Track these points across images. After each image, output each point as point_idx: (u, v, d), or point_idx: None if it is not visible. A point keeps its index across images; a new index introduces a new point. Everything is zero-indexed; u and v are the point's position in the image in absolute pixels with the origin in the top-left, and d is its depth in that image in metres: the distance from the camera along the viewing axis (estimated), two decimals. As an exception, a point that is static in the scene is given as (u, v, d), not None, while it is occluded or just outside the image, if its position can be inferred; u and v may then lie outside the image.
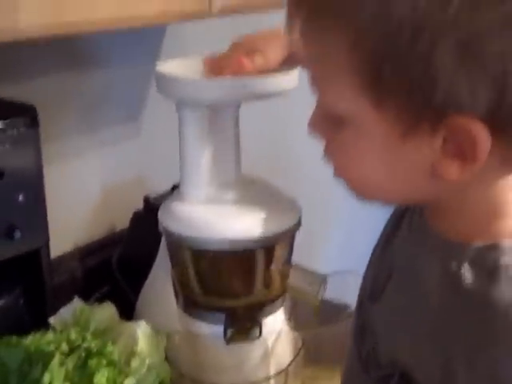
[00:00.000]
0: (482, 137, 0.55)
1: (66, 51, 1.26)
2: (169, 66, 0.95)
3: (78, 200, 1.38)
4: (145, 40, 1.41)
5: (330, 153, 0.67)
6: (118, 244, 1.38)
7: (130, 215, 1.35)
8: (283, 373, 0.92)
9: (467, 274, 0.61)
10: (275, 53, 0.90)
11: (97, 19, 0.90)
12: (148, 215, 1.28)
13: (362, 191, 0.67)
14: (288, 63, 0.91)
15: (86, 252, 1.37)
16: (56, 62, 1.26)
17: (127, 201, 1.38)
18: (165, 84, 0.94)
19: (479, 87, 0.54)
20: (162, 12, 0.99)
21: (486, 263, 0.60)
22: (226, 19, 1.18)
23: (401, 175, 0.62)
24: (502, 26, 0.52)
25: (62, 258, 1.32)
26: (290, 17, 0.62)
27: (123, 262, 1.34)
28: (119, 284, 1.31)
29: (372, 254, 0.79)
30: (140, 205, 1.33)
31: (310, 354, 1.00)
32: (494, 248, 0.61)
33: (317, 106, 0.66)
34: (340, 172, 0.67)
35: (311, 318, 1.09)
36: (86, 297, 1.12)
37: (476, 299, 0.60)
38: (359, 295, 0.80)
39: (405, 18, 0.53)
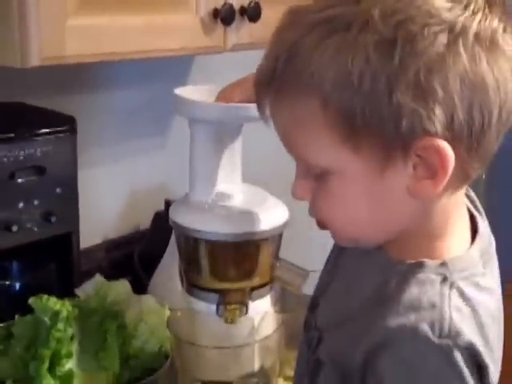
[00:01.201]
0: (447, 150, 0.66)
1: (104, 73, 1.48)
2: (185, 90, 1.16)
3: (108, 201, 1.58)
4: (174, 67, 1.62)
5: (315, 207, 0.76)
6: (141, 240, 1.58)
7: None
8: (265, 344, 1.10)
9: (392, 283, 0.73)
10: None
11: (128, 51, 1.11)
12: (167, 216, 1.48)
13: (345, 232, 0.76)
14: None
15: (113, 245, 1.58)
16: (95, 82, 1.48)
17: (151, 203, 1.59)
18: (180, 105, 1.15)
19: (435, 112, 0.65)
20: (182, 47, 1.18)
21: (407, 275, 0.72)
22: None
23: (382, 206, 0.72)
24: (440, 61, 0.64)
25: (90, 249, 1.53)
26: (260, 98, 0.74)
27: (144, 257, 1.54)
28: (139, 275, 1.51)
29: (327, 259, 0.93)
30: (162, 207, 1.53)
31: (292, 337, 1.18)
32: (419, 265, 0.72)
33: (297, 173, 0.76)
34: (325, 220, 0.76)
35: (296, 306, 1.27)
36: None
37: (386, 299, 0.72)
38: (313, 292, 0.94)
39: (362, 69, 0.64)
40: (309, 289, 1.28)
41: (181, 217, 1.16)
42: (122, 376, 1.03)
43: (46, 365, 0.96)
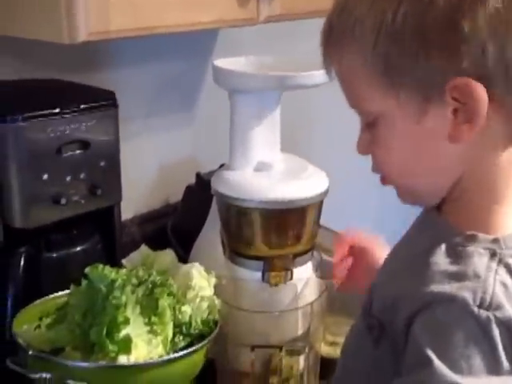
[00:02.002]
0: (478, 89, 0.68)
1: (130, 47, 1.49)
2: (222, 62, 1.18)
3: (139, 175, 1.60)
4: (201, 40, 1.64)
5: (374, 160, 0.80)
6: (173, 214, 1.61)
7: (184, 189, 1.58)
8: (309, 310, 1.13)
9: (442, 249, 0.73)
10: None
11: (166, 25, 1.13)
12: (199, 189, 1.51)
13: (402, 184, 0.79)
14: None
15: (144, 220, 1.61)
16: (129, 57, 1.50)
17: (181, 177, 1.61)
18: (221, 75, 1.17)
19: (463, 49, 0.68)
20: (218, 20, 1.21)
21: (458, 245, 0.73)
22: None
23: (427, 152, 0.75)
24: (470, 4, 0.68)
25: (123, 224, 1.55)
26: (324, 55, 0.80)
27: (176, 230, 1.56)
28: (173, 248, 1.54)
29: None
30: (192, 180, 1.55)
31: (335, 303, 1.22)
32: (472, 238, 0.73)
33: (360, 128, 0.81)
34: (384, 171, 0.80)
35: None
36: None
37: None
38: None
39: (394, 13, 0.70)
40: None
41: (223, 186, 1.19)
42: (175, 341, 1.05)
43: (105, 331, 0.99)
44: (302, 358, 1.16)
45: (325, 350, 1.24)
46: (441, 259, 0.73)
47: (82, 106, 1.16)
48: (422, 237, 0.81)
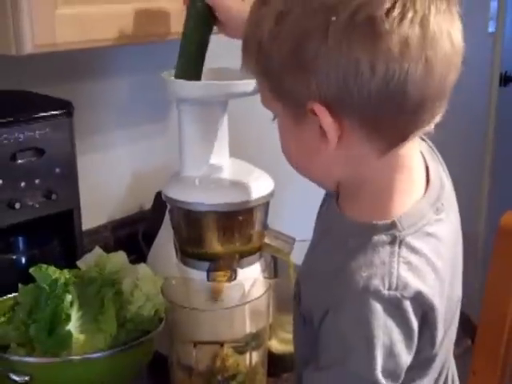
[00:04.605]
0: (322, 111, 0.76)
1: (102, 60, 1.55)
2: (173, 73, 1.23)
3: (113, 183, 1.67)
4: (171, 51, 1.68)
5: None
6: (145, 220, 1.66)
7: (155, 196, 1.63)
8: (255, 307, 1.17)
9: (349, 243, 0.82)
10: None
11: (113, 37, 1.18)
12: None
13: (300, 170, 0.88)
14: None
15: (118, 225, 1.66)
16: (94, 69, 1.56)
17: (153, 184, 1.65)
18: (167, 86, 1.22)
19: (311, 81, 0.76)
20: (169, 31, 1.26)
21: (362, 238, 0.81)
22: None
23: (308, 151, 0.83)
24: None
25: (97, 229, 1.61)
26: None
27: (147, 235, 1.61)
28: (143, 253, 1.59)
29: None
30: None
31: (283, 302, 1.25)
32: (372, 228, 0.81)
33: None
34: (283, 153, 0.88)
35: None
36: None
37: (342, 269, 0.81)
38: None
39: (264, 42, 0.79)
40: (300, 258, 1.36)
41: (172, 191, 1.24)
42: (119, 338, 1.10)
43: (45, 327, 1.04)
44: (248, 356, 1.19)
45: (276, 347, 1.28)
46: (350, 252, 0.81)
47: (36, 115, 1.21)
48: (329, 231, 0.89)
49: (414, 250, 0.81)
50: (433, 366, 0.90)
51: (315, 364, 0.84)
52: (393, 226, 0.81)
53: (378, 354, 0.77)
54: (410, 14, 0.72)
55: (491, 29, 2.99)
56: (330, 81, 0.75)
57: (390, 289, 0.78)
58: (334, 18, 0.72)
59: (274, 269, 1.28)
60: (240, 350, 1.20)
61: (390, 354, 0.78)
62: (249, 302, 1.16)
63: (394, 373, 0.79)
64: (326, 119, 0.77)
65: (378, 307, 0.77)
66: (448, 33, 0.75)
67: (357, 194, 0.86)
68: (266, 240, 1.27)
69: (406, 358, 0.80)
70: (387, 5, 0.72)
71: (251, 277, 1.24)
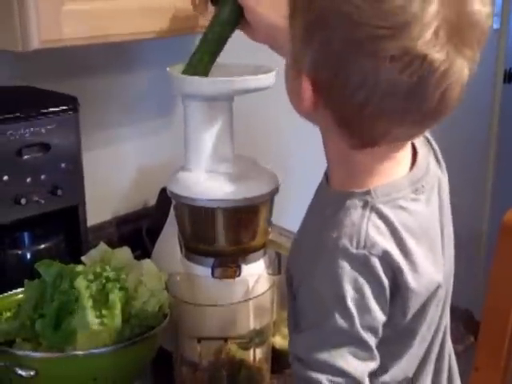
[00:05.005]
0: (305, 84, 0.82)
1: (107, 56, 1.55)
2: (178, 68, 1.24)
3: (117, 179, 1.67)
4: (177, 47, 1.69)
5: None
6: (149, 216, 1.67)
7: (160, 192, 1.64)
8: (259, 303, 1.17)
9: (328, 210, 0.86)
10: None
11: (120, 33, 1.19)
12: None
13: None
14: None
15: (122, 221, 1.67)
16: (101, 64, 1.56)
17: (158, 180, 1.66)
18: (172, 81, 1.22)
19: (307, 57, 0.80)
20: (174, 28, 1.26)
21: (338, 203, 0.86)
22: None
23: (292, 90, 0.88)
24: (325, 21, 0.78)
25: (101, 225, 1.62)
26: None
27: (151, 231, 1.62)
28: (147, 249, 1.59)
29: None
30: (167, 183, 1.61)
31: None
32: (348, 194, 0.86)
33: None
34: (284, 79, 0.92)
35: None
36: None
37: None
38: None
39: None
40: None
41: (177, 187, 1.24)
42: (124, 333, 1.11)
43: (51, 322, 1.05)
44: (252, 352, 1.20)
45: (280, 343, 1.29)
46: (327, 217, 0.86)
47: (43, 111, 1.22)
48: (315, 205, 0.94)
49: (382, 216, 0.84)
50: (412, 344, 0.92)
51: (297, 328, 0.87)
52: (367, 193, 0.85)
53: (352, 308, 0.80)
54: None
55: (496, 25, 2.98)
56: (325, 67, 0.79)
57: (358, 247, 0.81)
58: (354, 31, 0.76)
59: (278, 265, 1.28)
60: (244, 346, 1.20)
61: (364, 309, 0.81)
62: (253, 298, 1.17)
63: (372, 327, 0.82)
64: (307, 92, 0.82)
65: (345, 265, 0.81)
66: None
67: (336, 168, 0.90)
68: (271, 236, 1.27)
69: (380, 314, 0.83)
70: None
71: (255, 273, 1.25)
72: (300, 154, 1.96)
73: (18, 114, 1.20)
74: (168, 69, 1.23)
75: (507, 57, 3.09)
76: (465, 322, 1.46)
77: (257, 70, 1.24)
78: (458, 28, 0.75)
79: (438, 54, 0.75)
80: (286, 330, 1.29)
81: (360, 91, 0.78)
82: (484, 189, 3.23)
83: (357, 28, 0.75)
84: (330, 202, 0.88)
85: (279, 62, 1.01)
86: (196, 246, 1.26)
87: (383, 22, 0.74)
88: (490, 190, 3.24)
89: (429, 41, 0.74)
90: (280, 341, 1.30)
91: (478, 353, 1.40)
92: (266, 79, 1.21)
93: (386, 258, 0.82)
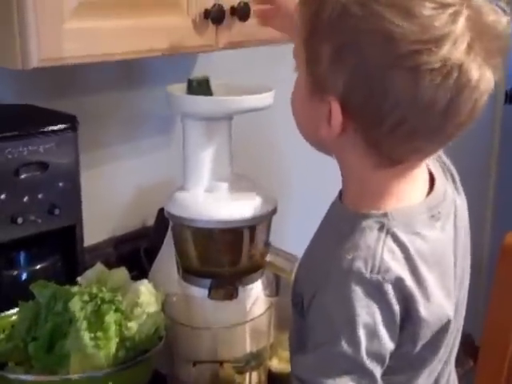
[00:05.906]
0: (336, 108, 0.81)
1: (106, 74, 1.55)
2: (176, 87, 1.23)
3: (116, 199, 1.66)
4: (178, 66, 1.69)
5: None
6: (147, 236, 1.65)
7: (158, 212, 1.62)
8: (256, 326, 1.16)
9: (344, 230, 0.85)
10: None
11: (120, 52, 1.18)
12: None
13: (298, 126, 0.91)
14: None
15: (120, 241, 1.65)
16: (100, 83, 1.56)
17: (156, 200, 1.65)
18: (172, 101, 1.22)
19: (339, 80, 0.79)
20: (176, 46, 1.25)
21: (355, 224, 0.85)
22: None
23: (307, 115, 0.88)
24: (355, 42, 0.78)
25: (99, 245, 1.60)
26: None
27: (149, 251, 1.61)
28: (145, 269, 1.58)
29: None
30: (165, 203, 1.60)
31: (284, 320, 1.24)
32: (365, 215, 0.85)
33: None
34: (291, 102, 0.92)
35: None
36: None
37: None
38: None
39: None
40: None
41: (174, 207, 1.23)
42: (118, 356, 1.09)
43: (44, 344, 1.03)
44: (248, 375, 1.19)
45: (276, 366, 1.27)
46: (343, 237, 0.85)
47: (41, 129, 1.21)
48: (330, 223, 0.93)
49: (397, 240, 0.83)
50: (421, 374, 0.91)
51: (303, 349, 0.86)
52: (384, 215, 0.84)
53: (361, 334, 0.79)
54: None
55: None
56: (361, 88, 0.78)
57: (372, 271, 0.80)
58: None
59: (276, 287, 1.27)
60: (240, 370, 1.19)
61: (373, 335, 0.80)
62: (250, 320, 1.15)
63: (378, 355, 0.81)
64: (337, 116, 0.81)
65: (359, 289, 0.80)
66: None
67: (353, 187, 0.90)
68: (268, 258, 1.26)
69: (389, 342, 0.82)
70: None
71: (253, 294, 1.23)
72: (298, 174, 1.96)
73: (16, 133, 1.18)
74: (167, 88, 1.22)
75: (508, 78, 3.09)
76: (464, 346, 1.45)
77: (256, 90, 1.23)
78: (482, 38, 0.76)
79: (472, 64, 0.76)
80: (283, 353, 1.29)
81: (397, 110, 0.77)
82: (485, 212, 3.22)
83: (395, 44, 0.75)
84: (345, 220, 0.87)
85: (278, 82, 1.01)
86: (193, 266, 1.25)
87: (420, 35, 0.74)
88: (491, 211, 3.23)
89: (463, 51, 0.75)
90: (277, 364, 1.28)
91: (478, 377, 1.39)
92: (265, 99, 1.21)
93: (398, 284, 0.81)
